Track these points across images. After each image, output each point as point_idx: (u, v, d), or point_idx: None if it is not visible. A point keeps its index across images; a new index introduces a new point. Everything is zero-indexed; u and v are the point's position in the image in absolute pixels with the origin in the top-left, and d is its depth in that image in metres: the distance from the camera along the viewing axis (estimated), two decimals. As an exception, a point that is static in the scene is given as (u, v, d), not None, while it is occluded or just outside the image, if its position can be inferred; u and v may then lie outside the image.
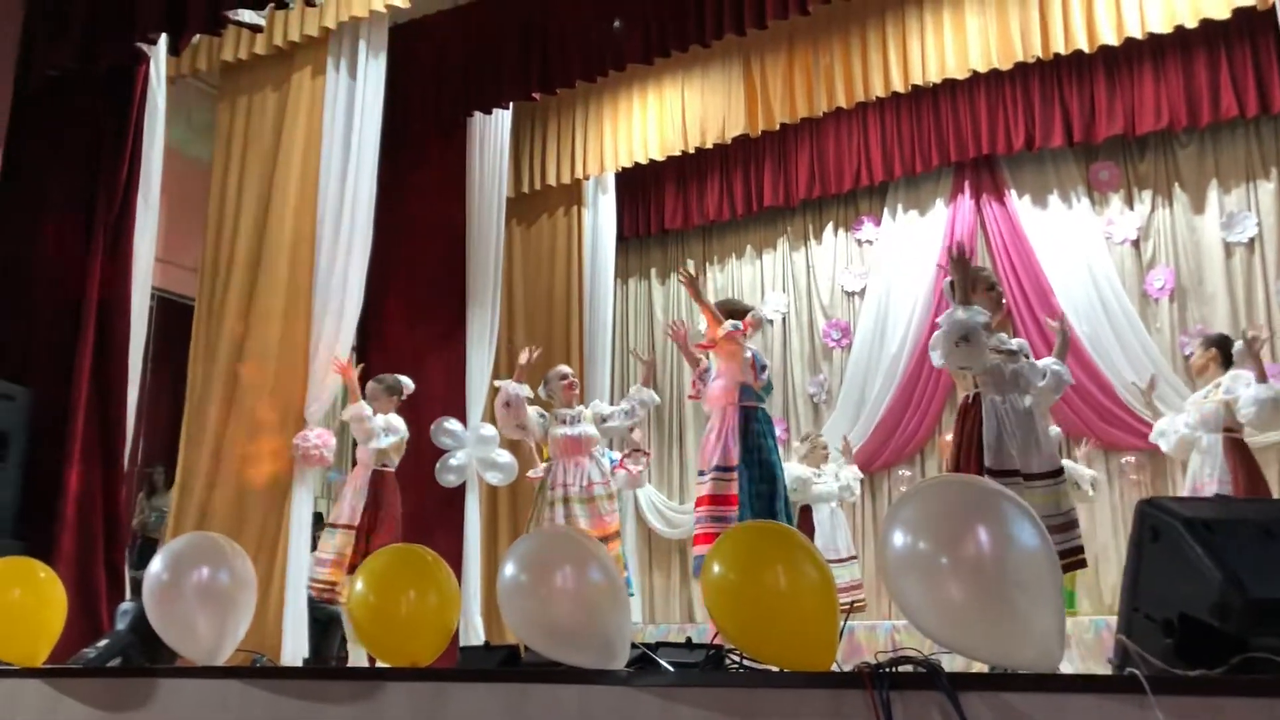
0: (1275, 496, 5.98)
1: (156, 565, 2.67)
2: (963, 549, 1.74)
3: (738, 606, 1.99)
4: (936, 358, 4.53)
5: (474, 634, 6.82)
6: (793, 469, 7.39)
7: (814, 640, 1.94)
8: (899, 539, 1.80)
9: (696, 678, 1.98)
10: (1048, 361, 4.73)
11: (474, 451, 7.02)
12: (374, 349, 7.57)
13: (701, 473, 4.83)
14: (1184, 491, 5.61)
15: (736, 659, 2.10)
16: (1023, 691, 1.68)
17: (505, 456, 7.06)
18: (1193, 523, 1.77)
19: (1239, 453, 5.45)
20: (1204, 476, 5.43)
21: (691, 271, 5.01)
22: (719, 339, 4.84)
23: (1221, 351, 5.67)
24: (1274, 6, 5.97)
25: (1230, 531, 1.76)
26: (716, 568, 2.01)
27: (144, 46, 5.69)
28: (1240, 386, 5.38)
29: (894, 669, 1.77)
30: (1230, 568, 1.68)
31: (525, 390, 5.88)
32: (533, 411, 5.88)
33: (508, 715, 2.09)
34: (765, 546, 2.02)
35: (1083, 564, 4.43)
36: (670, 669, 2.05)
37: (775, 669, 1.98)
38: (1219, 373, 5.60)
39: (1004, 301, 5.05)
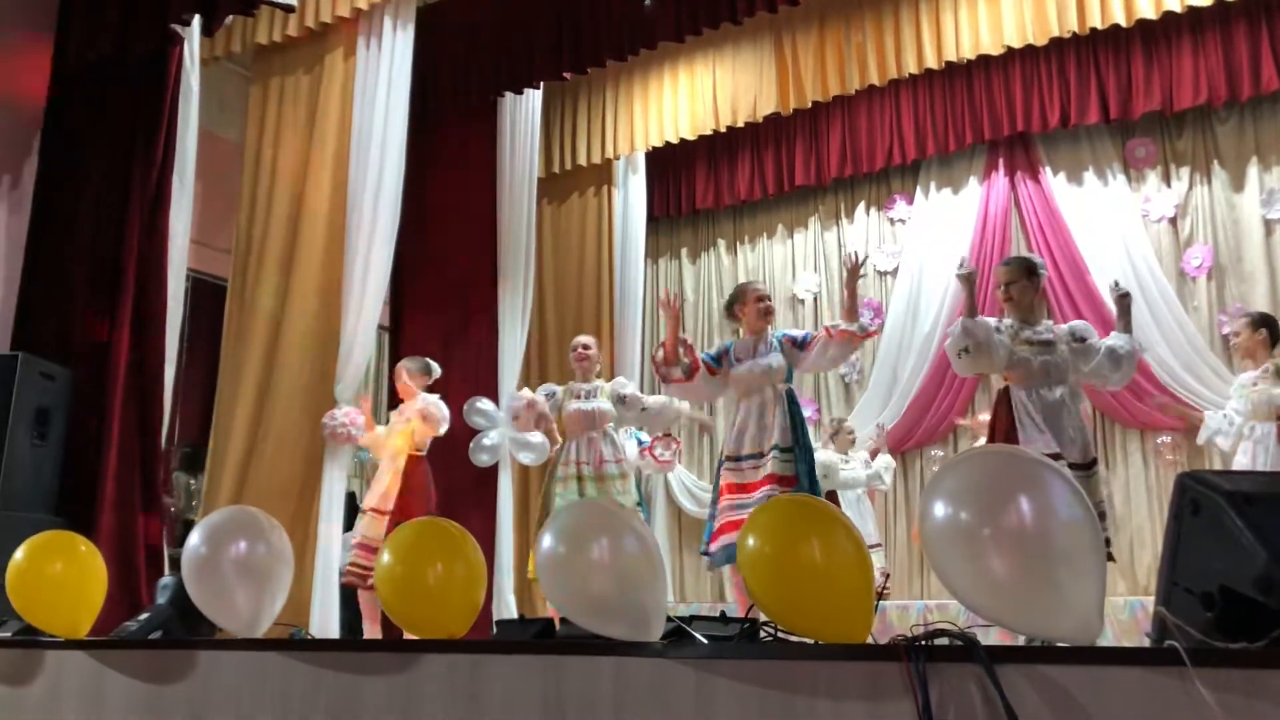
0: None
1: (195, 538, 2.72)
2: (1005, 520, 1.73)
3: (773, 579, 1.99)
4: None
5: (507, 611, 6.88)
6: (819, 455, 7.37)
7: (850, 613, 1.94)
8: (940, 510, 1.79)
9: (731, 650, 1.99)
10: (1110, 341, 4.51)
11: (506, 431, 7.05)
12: (406, 329, 7.62)
13: (760, 455, 4.68)
14: None
15: (771, 632, 2.10)
16: (1061, 664, 1.67)
17: (538, 436, 7.08)
18: (1234, 496, 1.75)
19: None
20: (1262, 466, 5.11)
21: (856, 259, 4.82)
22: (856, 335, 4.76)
23: (1271, 332, 5.38)
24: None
25: (1272, 505, 1.74)
26: (752, 541, 2.02)
27: (178, 29, 5.73)
28: None
29: (930, 642, 1.77)
30: (1272, 541, 1.66)
31: (526, 393, 5.89)
32: (539, 392, 5.88)
33: (544, 686, 2.11)
34: (800, 519, 2.02)
35: (1109, 559, 4.31)
36: (705, 641, 2.05)
37: (810, 642, 1.98)
38: (1267, 355, 5.33)
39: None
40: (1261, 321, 5.48)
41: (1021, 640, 2.50)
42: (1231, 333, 5.63)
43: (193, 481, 7.53)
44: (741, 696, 1.89)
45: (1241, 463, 5.30)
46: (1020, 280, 4.50)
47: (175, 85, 5.79)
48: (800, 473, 4.59)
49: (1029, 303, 4.51)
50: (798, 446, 4.65)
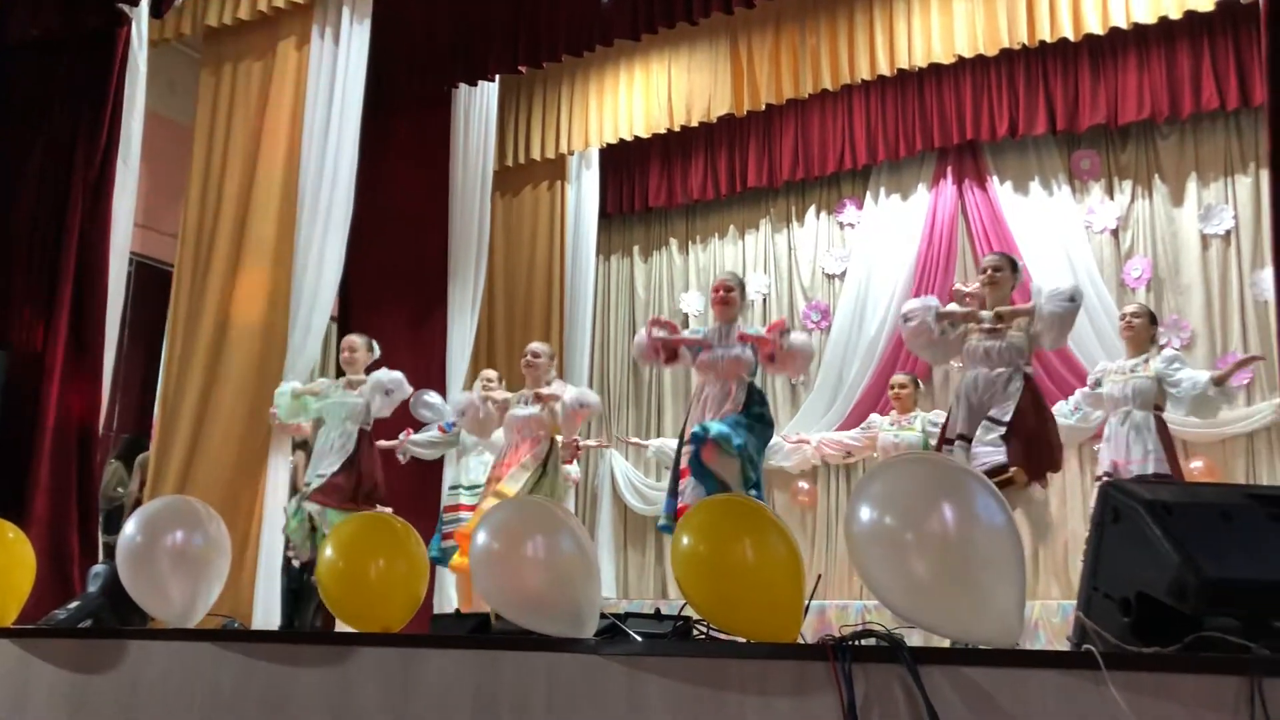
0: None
1: (131, 527, 2.69)
2: (928, 526, 1.77)
3: (705, 578, 2.02)
4: None
5: (449, 605, 6.87)
6: None
7: (780, 613, 1.97)
8: (865, 514, 1.83)
9: (663, 647, 2.01)
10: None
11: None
12: (355, 319, 7.56)
13: None
14: (1104, 464, 5.53)
15: (704, 630, 2.13)
16: (982, 666, 1.71)
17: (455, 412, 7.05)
18: (1153, 505, 1.81)
19: (1166, 432, 5.48)
20: (1138, 453, 5.34)
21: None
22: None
23: (1153, 325, 5.78)
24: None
25: (1189, 514, 1.80)
26: (686, 540, 2.04)
27: (125, 8, 5.64)
28: (1178, 371, 5.46)
29: (857, 643, 1.80)
30: (1187, 549, 1.72)
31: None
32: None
33: (477, 681, 2.11)
34: (734, 520, 2.05)
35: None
36: (638, 639, 2.08)
37: (741, 640, 2.01)
38: (1149, 346, 5.66)
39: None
40: (1155, 318, 5.87)
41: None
42: (1130, 316, 5.77)
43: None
44: (672, 693, 1.91)
45: (1120, 445, 5.44)
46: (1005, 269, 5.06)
47: (122, 66, 5.71)
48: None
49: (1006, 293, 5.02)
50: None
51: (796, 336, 5.13)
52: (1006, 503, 1.81)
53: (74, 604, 3.07)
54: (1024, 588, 1.79)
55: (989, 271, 5.06)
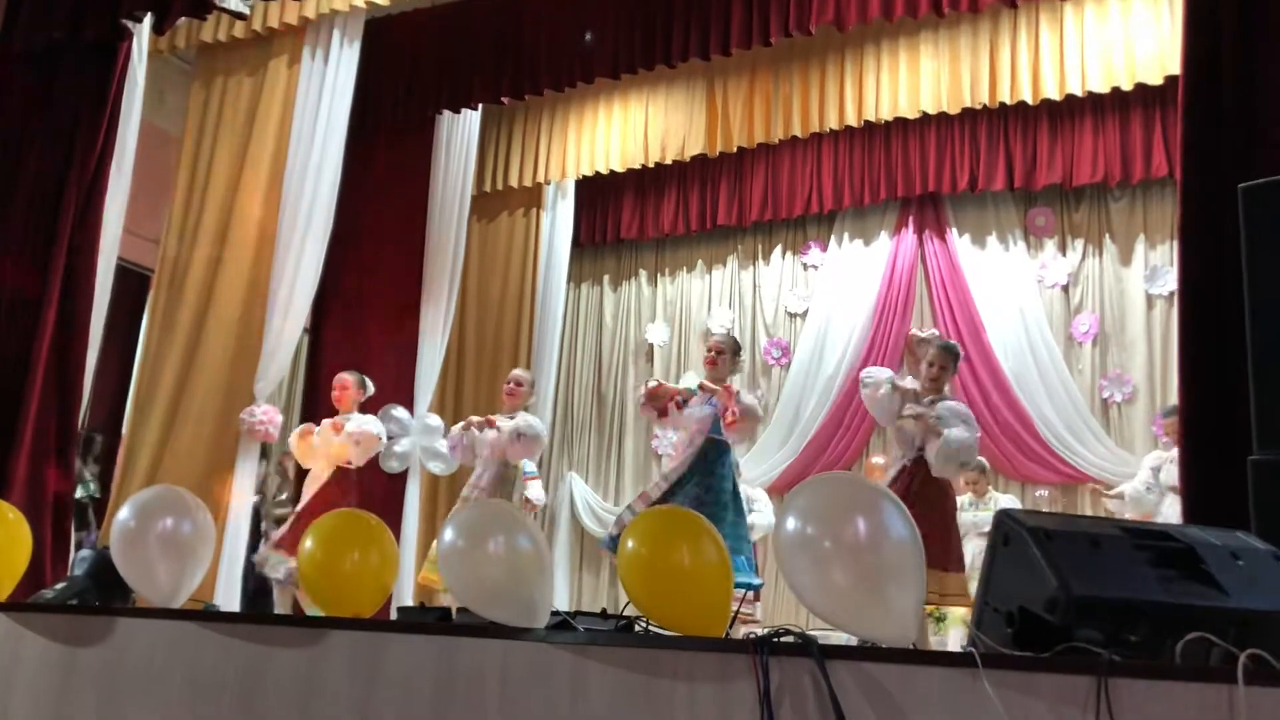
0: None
1: (125, 512, 2.90)
2: (844, 536, 2.03)
3: (646, 579, 2.28)
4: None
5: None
6: None
7: (710, 611, 2.23)
8: (791, 524, 2.09)
9: (604, 638, 2.26)
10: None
11: (418, 440, 7.23)
12: (327, 332, 7.75)
13: None
14: None
15: (644, 626, 2.38)
16: (879, 662, 1.98)
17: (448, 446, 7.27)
18: (1035, 531, 2.08)
19: None
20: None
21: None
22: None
23: None
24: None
25: (1065, 540, 2.07)
26: (630, 544, 2.30)
27: (129, 24, 5.85)
28: None
29: (775, 639, 2.06)
30: (1060, 570, 1.99)
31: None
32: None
33: (439, 664, 2.35)
34: (673, 529, 2.32)
35: None
36: (582, 631, 2.32)
37: (675, 634, 2.26)
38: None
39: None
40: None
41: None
42: (1164, 419, 6.68)
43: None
44: (611, 678, 2.16)
45: (1169, 515, 6.14)
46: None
47: (121, 77, 5.89)
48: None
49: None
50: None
51: (746, 396, 5.29)
52: (911, 518, 2.08)
53: (61, 584, 3.27)
54: (922, 595, 2.06)
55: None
